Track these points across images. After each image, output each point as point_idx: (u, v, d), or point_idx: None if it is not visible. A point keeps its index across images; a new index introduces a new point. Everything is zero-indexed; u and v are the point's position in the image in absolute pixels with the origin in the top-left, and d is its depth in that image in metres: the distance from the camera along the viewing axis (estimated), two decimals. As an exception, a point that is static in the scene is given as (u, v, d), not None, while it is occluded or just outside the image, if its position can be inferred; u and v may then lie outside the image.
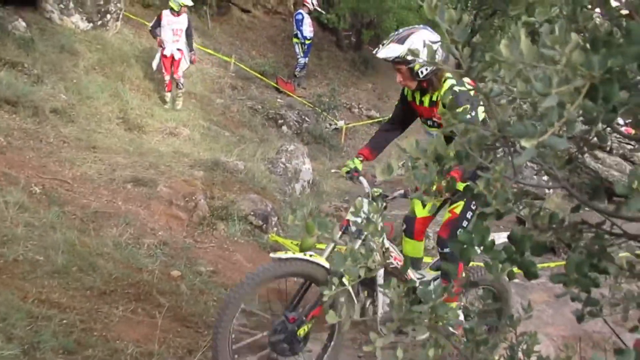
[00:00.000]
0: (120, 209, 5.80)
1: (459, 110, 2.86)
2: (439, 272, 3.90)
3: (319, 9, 14.94)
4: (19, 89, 7.34)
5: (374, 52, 3.63)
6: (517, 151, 1.04)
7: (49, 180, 5.86)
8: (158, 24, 9.93)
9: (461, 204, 3.61)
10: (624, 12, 0.92)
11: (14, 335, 3.32)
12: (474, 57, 1.01)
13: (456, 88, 3.40)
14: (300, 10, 14.14)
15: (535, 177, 9.20)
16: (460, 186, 1.17)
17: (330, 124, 13.25)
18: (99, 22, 10.48)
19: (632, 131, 1.23)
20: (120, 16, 11.18)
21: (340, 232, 3.50)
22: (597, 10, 1.00)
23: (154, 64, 10.20)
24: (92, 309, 3.99)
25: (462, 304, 3.24)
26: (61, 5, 9.88)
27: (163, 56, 9.99)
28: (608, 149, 11.78)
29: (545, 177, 9.02)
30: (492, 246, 1.04)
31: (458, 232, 3.55)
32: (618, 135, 1.25)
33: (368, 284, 3.60)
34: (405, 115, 3.95)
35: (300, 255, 3.32)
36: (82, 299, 4.09)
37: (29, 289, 3.91)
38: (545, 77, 0.76)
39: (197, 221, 6.18)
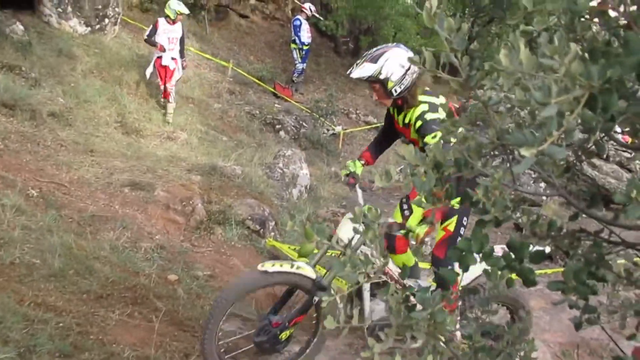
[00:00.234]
0: (118, 213, 5.80)
1: (428, 137, 2.86)
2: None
3: (317, 15, 14.98)
4: (16, 93, 7.34)
5: (347, 72, 3.66)
6: (515, 159, 1.04)
7: (46, 183, 5.85)
8: (154, 32, 9.70)
9: (454, 220, 3.63)
10: (622, 22, 0.93)
11: (10, 339, 3.32)
12: (473, 65, 1.02)
13: (427, 115, 3.45)
14: (298, 16, 14.18)
15: (532, 184, 9.23)
16: (454, 204, 1.17)
17: (328, 130, 13.27)
18: (97, 26, 10.49)
19: (629, 139, 1.24)
20: (119, 20, 11.19)
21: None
22: (596, 20, 1.01)
23: (148, 72, 9.98)
24: (88, 312, 3.98)
25: (457, 317, 3.27)
26: (59, 9, 9.88)
27: (160, 66, 9.78)
28: (605, 156, 11.82)
29: (542, 184, 9.04)
30: (491, 253, 1.04)
31: (459, 241, 3.57)
32: (615, 143, 1.26)
33: (355, 293, 3.71)
34: (391, 128, 4.00)
35: (286, 267, 3.46)
36: (78, 302, 4.08)
37: (25, 292, 3.90)
38: (544, 87, 0.76)
39: (195, 225, 6.18)
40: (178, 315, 4.35)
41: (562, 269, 1.10)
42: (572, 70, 0.74)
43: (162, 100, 10.08)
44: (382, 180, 1.14)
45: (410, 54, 3.45)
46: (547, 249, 1.24)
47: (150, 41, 9.75)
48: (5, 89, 7.26)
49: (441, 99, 3.55)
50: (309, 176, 9.04)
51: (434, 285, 3.98)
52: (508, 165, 1.05)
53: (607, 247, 1.13)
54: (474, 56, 1.13)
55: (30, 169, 6.05)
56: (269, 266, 3.47)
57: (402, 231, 3.43)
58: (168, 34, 9.72)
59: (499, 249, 1.12)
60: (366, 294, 3.70)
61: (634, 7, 0.88)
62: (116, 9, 10.92)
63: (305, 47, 14.15)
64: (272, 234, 6.55)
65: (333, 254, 3.84)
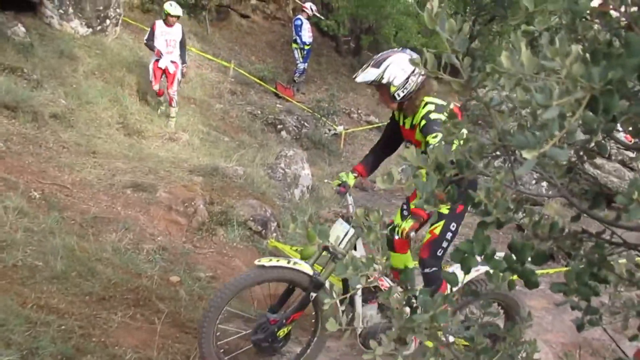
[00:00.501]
0: (120, 214, 5.80)
1: (430, 137, 2.86)
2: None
3: (318, 15, 14.98)
4: (18, 94, 7.34)
5: (353, 77, 3.76)
6: (517, 160, 1.04)
7: (48, 185, 5.86)
8: (152, 35, 9.55)
9: (441, 224, 3.65)
10: (623, 22, 0.92)
11: (13, 341, 3.32)
12: (474, 66, 1.01)
13: (432, 115, 3.51)
14: (299, 16, 14.18)
15: (534, 184, 9.22)
16: (443, 209, 1.18)
17: (330, 130, 13.26)
18: (99, 28, 10.49)
19: (632, 139, 1.24)
20: (120, 21, 11.19)
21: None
22: (597, 20, 1.01)
23: (151, 77, 9.80)
24: (90, 314, 3.99)
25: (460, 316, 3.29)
26: (60, 11, 9.88)
27: (156, 68, 9.59)
28: (607, 155, 11.80)
29: (544, 185, 9.03)
30: (493, 255, 1.04)
31: (438, 252, 3.62)
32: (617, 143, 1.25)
33: (346, 306, 3.73)
34: (394, 134, 4.02)
35: (282, 263, 3.51)
36: (81, 304, 4.08)
37: (27, 295, 3.91)
38: (546, 89, 0.76)
39: (197, 226, 6.18)
40: (180, 317, 4.35)
41: (564, 269, 1.10)
42: (573, 72, 0.74)
43: (158, 99, 9.95)
44: (384, 182, 1.14)
45: (415, 57, 3.47)
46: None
47: (149, 45, 9.62)
48: (7, 91, 7.27)
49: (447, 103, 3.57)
50: (310, 176, 9.04)
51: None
52: (510, 166, 1.04)
53: (609, 248, 1.12)
54: (475, 55, 1.13)
55: (32, 170, 6.06)
56: (266, 261, 3.51)
57: (389, 227, 3.47)
58: (165, 36, 9.56)
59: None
60: (358, 300, 3.72)
61: (635, 8, 0.87)
62: (117, 10, 10.92)
63: (306, 47, 14.15)
64: (274, 234, 6.55)
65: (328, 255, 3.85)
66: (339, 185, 4.01)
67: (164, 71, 9.64)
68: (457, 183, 1.11)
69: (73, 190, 6.01)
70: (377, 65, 3.50)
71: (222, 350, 3.66)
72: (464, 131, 1.12)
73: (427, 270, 3.69)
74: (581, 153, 1.10)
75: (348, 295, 1.23)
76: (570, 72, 0.74)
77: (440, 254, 3.67)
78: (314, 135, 12.49)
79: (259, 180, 7.68)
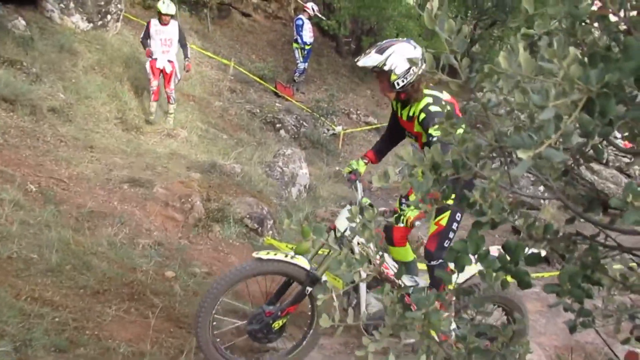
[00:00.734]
0: (116, 209, 5.80)
1: (432, 129, 2.87)
2: None
3: (320, 15, 14.99)
4: (17, 88, 7.33)
5: (355, 60, 3.75)
6: (513, 161, 1.05)
7: (45, 179, 5.85)
8: (147, 33, 9.31)
9: (446, 215, 3.65)
10: (623, 27, 0.93)
11: (6, 333, 3.32)
12: (473, 67, 1.02)
13: (431, 107, 3.51)
14: (301, 16, 14.18)
15: (531, 187, 9.24)
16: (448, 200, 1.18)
17: (328, 129, 13.27)
18: (99, 23, 10.47)
19: (630, 145, 1.24)
20: (121, 17, 11.18)
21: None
22: (596, 24, 1.01)
23: (150, 75, 9.52)
24: (85, 307, 3.99)
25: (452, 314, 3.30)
26: (61, 5, 9.87)
27: (153, 67, 9.34)
28: (604, 161, 11.84)
29: (541, 188, 9.06)
30: (487, 255, 1.05)
31: (445, 244, 3.62)
32: (614, 148, 1.26)
33: (350, 292, 3.75)
34: (396, 125, 4.02)
35: (280, 256, 3.52)
36: (75, 297, 4.08)
37: (22, 287, 3.91)
38: (542, 90, 0.77)
39: (193, 223, 6.18)
40: (174, 311, 4.36)
41: (558, 273, 1.11)
42: (570, 74, 0.75)
43: (150, 103, 9.56)
44: (380, 181, 1.15)
45: (419, 50, 3.50)
46: (543, 252, 1.25)
47: (143, 43, 9.41)
48: (6, 84, 7.26)
49: (445, 95, 3.57)
50: (308, 175, 9.05)
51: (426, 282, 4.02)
52: (506, 168, 1.05)
53: (602, 251, 1.13)
54: (475, 59, 1.13)
55: (29, 164, 6.05)
56: (264, 254, 3.53)
57: (395, 215, 3.47)
58: (160, 35, 9.31)
59: (494, 250, 1.12)
60: (362, 287, 3.71)
61: (634, 13, 0.88)
62: (118, 6, 10.91)
63: (307, 47, 14.15)
64: (271, 232, 6.56)
65: (325, 253, 3.85)
66: (350, 172, 4.00)
67: (162, 71, 9.43)
68: (453, 183, 1.12)
69: (70, 184, 6.00)
70: (381, 51, 3.49)
71: (218, 340, 3.69)
72: (460, 131, 1.13)
73: (433, 262, 3.68)
74: (577, 156, 1.11)
75: (343, 290, 1.24)
76: (567, 74, 0.75)
77: (447, 245, 3.64)
78: (312, 135, 12.49)
79: (257, 178, 7.68)
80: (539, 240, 1.07)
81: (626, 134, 1.04)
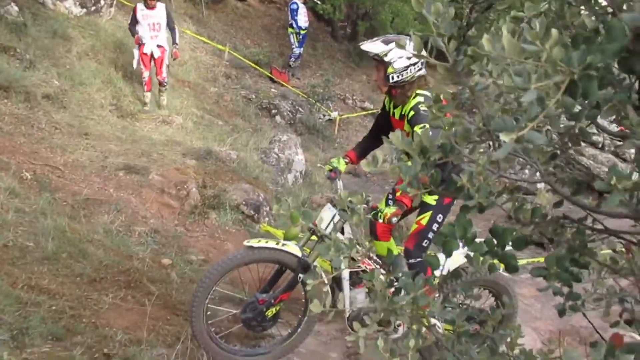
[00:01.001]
0: (112, 197, 5.79)
1: (417, 127, 2.87)
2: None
3: (315, -1, 14.91)
4: (10, 74, 7.28)
5: (360, 43, 3.80)
6: (501, 145, 1.04)
7: (40, 166, 5.83)
8: (135, 19, 9.09)
9: (428, 215, 3.70)
10: (609, 9, 0.92)
11: (3, 321, 3.32)
12: (460, 50, 1.01)
13: (421, 107, 3.54)
14: (295, 0, 14.07)
15: (527, 171, 9.25)
16: (428, 198, 1.19)
17: (324, 115, 13.24)
18: (93, 8, 10.40)
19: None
20: (114, 2, 11.10)
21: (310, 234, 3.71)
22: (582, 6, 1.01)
23: (134, 63, 9.38)
24: (81, 295, 3.99)
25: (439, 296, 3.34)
26: (54, -10, 9.79)
27: (142, 53, 9.15)
28: (600, 145, 11.87)
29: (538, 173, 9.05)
30: (474, 239, 1.05)
31: (423, 243, 3.66)
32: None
33: (334, 288, 3.80)
34: (384, 123, 4.03)
35: (271, 244, 3.55)
36: (71, 285, 4.09)
37: (18, 275, 3.91)
38: (524, 72, 0.76)
39: (189, 210, 6.18)
40: (171, 299, 4.37)
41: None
42: (553, 56, 0.74)
43: (144, 94, 9.44)
44: (368, 165, 1.15)
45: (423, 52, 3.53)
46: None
47: (131, 30, 9.19)
48: (-1, 71, 7.22)
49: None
50: (304, 161, 9.04)
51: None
52: (493, 151, 1.05)
53: (590, 235, 1.13)
54: (471, 43, 1.13)
55: (24, 151, 6.03)
56: (255, 242, 3.56)
57: (373, 212, 3.51)
58: (148, 20, 9.09)
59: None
60: (346, 284, 3.76)
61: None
62: (112, -9, 10.83)
63: (302, 32, 14.07)
64: (267, 219, 6.56)
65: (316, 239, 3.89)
66: (330, 170, 4.05)
67: (151, 57, 9.24)
68: (440, 167, 1.12)
69: (65, 171, 5.98)
70: (387, 42, 3.53)
71: (213, 329, 3.72)
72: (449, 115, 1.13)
73: (411, 260, 3.74)
74: (565, 139, 1.10)
75: (331, 276, 1.25)
76: (550, 56, 0.75)
77: (425, 245, 3.71)
78: (308, 121, 12.46)
79: (252, 164, 7.68)
80: (527, 224, 1.07)
81: (615, 116, 1.04)
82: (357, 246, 1.23)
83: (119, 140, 7.50)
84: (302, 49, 14.37)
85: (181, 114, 9.77)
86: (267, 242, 3.58)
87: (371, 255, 3.84)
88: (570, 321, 5.02)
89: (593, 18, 0.99)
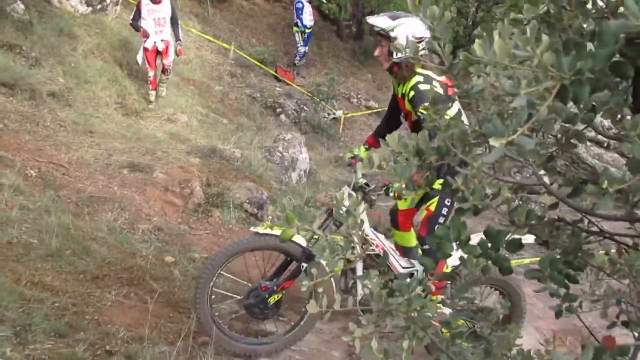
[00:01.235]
0: (116, 194, 5.82)
1: (421, 108, 2.88)
2: None
3: (320, -2, 14.90)
4: (16, 72, 7.31)
5: (367, 17, 3.84)
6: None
7: (44, 163, 5.86)
8: (138, 14, 8.85)
9: (435, 200, 3.73)
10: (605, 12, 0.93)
11: (6, 317, 3.35)
12: (456, 53, 1.02)
13: (420, 86, 3.55)
14: (301, -1, 14.07)
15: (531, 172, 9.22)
16: (435, 184, 1.19)
17: (329, 114, 13.23)
18: (99, 6, 10.41)
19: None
20: (120, 1, 11.11)
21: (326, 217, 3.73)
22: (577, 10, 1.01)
23: (139, 58, 9.24)
24: (84, 292, 4.02)
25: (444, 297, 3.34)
26: (60, -12, 9.81)
27: (146, 49, 8.99)
28: (605, 145, 11.83)
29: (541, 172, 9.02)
30: (468, 241, 1.05)
31: (436, 228, 3.64)
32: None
33: (347, 272, 3.84)
34: (396, 107, 4.04)
35: (277, 232, 3.58)
36: (74, 282, 4.11)
37: (22, 272, 3.94)
38: (514, 77, 0.77)
39: (192, 208, 6.20)
40: (174, 296, 4.39)
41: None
42: (544, 61, 0.75)
43: (149, 92, 9.33)
44: (365, 167, 1.15)
45: (428, 32, 3.55)
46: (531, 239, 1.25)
47: (135, 25, 9.00)
48: (5, 68, 7.24)
49: (439, 78, 3.58)
50: (308, 160, 9.04)
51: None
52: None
53: (585, 237, 1.13)
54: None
55: (29, 148, 6.06)
56: (262, 229, 3.62)
57: (385, 188, 3.52)
58: (153, 14, 8.89)
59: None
60: (359, 267, 3.76)
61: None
62: (117, -11, 10.84)
63: (307, 30, 14.07)
64: (270, 217, 6.57)
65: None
66: (351, 158, 4.12)
67: (156, 52, 9.08)
68: (436, 169, 1.12)
69: (69, 169, 6.01)
70: (393, 18, 3.54)
71: (217, 314, 3.78)
72: (450, 113, 1.13)
73: (426, 247, 3.75)
74: (562, 142, 1.11)
75: (327, 277, 1.25)
76: (540, 61, 0.75)
77: None
78: (313, 119, 12.45)
79: (257, 163, 7.69)
80: (521, 226, 1.08)
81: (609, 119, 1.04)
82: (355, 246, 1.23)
83: (124, 138, 7.52)
84: (307, 47, 14.36)
85: (186, 112, 9.78)
86: (273, 229, 3.62)
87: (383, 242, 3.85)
88: (572, 321, 5.00)
89: (589, 21, 0.99)
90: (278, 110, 12.24)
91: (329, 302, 1.30)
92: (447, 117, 1.18)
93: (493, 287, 4.11)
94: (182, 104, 10.01)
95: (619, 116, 1.06)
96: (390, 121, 4.20)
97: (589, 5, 0.97)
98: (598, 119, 1.14)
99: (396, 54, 3.57)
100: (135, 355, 3.47)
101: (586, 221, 1.16)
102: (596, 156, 11.51)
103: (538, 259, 5.96)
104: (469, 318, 1.71)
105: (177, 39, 9.24)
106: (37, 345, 3.24)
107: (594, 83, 0.89)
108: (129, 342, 3.61)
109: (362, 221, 3.66)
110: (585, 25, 1.16)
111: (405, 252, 4.09)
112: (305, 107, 12.67)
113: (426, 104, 3.43)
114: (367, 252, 3.66)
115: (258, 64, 13.49)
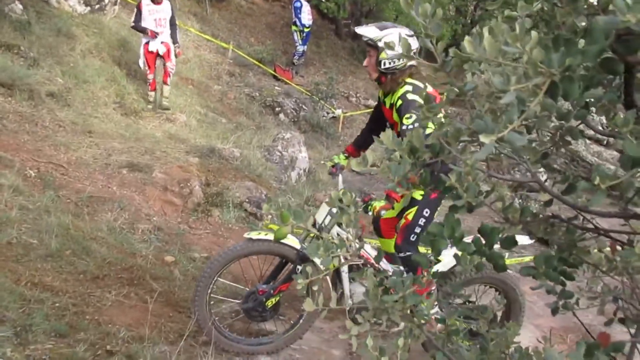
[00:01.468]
0: (115, 194, 5.82)
1: (404, 118, 2.88)
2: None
3: (318, -3, 14.89)
4: (14, 72, 7.31)
5: (355, 27, 3.86)
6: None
7: (44, 164, 5.87)
8: (139, 15, 8.81)
9: (414, 210, 3.72)
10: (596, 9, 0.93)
11: (7, 318, 3.35)
12: (448, 51, 1.02)
13: (409, 95, 3.55)
14: (299, -2, 14.06)
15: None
16: (414, 194, 1.20)
17: (328, 113, 13.23)
18: (97, 6, 10.41)
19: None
20: (118, 0, 11.11)
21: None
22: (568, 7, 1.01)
23: (141, 63, 9.18)
24: (84, 292, 4.02)
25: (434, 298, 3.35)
26: (59, -11, 9.81)
27: (147, 52, 8.94)
28: (605, 142, 11.83)
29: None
30: (461, 238, 1.06)
31: (411, 238, 3.68)
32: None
33: (334, 276, 3.87)
34: (380, 115, 4.04)
35: (271, 236, 3.62)
36: (75, 282, 4.12)
37: (22, 272, 3.94)
38: (504, 74, 0.77)
39: (192, 207, 6.20)
40: (174, 296, 4.40)
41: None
42: (533, 58, 0.75)
43: (148, 93, 9.30)
44: (358, 165, 1.15)
45: (416, 43, 3.57)
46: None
47: (138, 27, 8.93)
48: (3, 69, 7.24)
49: (428, 87, 3.58)
50: (307, 159, 9.04)
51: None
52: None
53: (579, 234, 1.14)
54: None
55: (28, 149, 6.06)
56: (255, 234, 3.63)
57: (364, 205, 3.54)
58: (154, 15, 8.86)
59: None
60: (345, 277, 3.81)
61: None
62: (116, -11, 10.84)
63: (306, 29, 14.06)
64: (269, 216, 6.57)
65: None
66: (332, 166, 4.14)
67: (156, 55, 9.03)
68: (429, 167, 1.13)
69: (69, 169, 6.02)
70: (381, 28, 3.55)
71: (217, 319, 3.83)
72: (440, 115, 1.13)
73: (401, 254, 3.76)
74: (557, 139, 1.11)
75: (321, 276, 1.26)
76: (530, 57, 0.75)
77: (413, 239, 3.72)
78: (312, 118, 12.45)
79: (256, 162, 7.69)
80: (516, 223, 1.08)
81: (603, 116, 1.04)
82: (350, 244, 1.24)
83: (123, 138, 7.52)
84: (305, 46, 14.36)
85: (185, 111, 9.78)
86: (266, 234, 3.65)
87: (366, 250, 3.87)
88: (573, 318, 4.99)
89: (581, 18, 0.99)
90: (277, 109, 12.24)
91: (325, 300, 1.30)
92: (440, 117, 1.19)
93: (490, 285, 4.12)
94: (181, 104, 10.01)
95: (613, 113, 1.06)
96: (368, 134, 4.22)
97: (582, 2, 0.97)
98: (595, 116, 1.14)
99: (385, 64, 3.58)
100: (135, 355, 3.48)
101: (581, 218, 1.16)
102: (595, 154, 11.52)
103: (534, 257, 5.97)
104: (464, 316, 1.71)
105: (174, 41, 9.18)
106: (37, 346, 3.25)
107: (587, 80, 0.89)
108: (129, 341, 3.62)
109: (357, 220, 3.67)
110: (578, 22, 1.17)
111: (392, 258, 4.11)
112: (304, 106, 12.67)
113: (409, 113, 3.44)
114: (352, 263, 3.68)
115: (257, 63, 13.49)
